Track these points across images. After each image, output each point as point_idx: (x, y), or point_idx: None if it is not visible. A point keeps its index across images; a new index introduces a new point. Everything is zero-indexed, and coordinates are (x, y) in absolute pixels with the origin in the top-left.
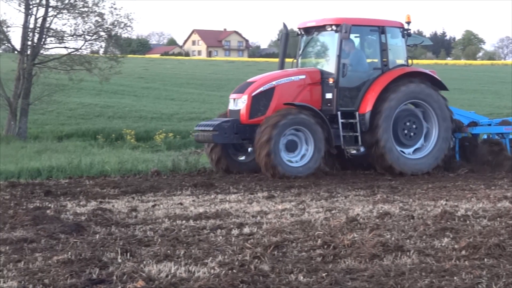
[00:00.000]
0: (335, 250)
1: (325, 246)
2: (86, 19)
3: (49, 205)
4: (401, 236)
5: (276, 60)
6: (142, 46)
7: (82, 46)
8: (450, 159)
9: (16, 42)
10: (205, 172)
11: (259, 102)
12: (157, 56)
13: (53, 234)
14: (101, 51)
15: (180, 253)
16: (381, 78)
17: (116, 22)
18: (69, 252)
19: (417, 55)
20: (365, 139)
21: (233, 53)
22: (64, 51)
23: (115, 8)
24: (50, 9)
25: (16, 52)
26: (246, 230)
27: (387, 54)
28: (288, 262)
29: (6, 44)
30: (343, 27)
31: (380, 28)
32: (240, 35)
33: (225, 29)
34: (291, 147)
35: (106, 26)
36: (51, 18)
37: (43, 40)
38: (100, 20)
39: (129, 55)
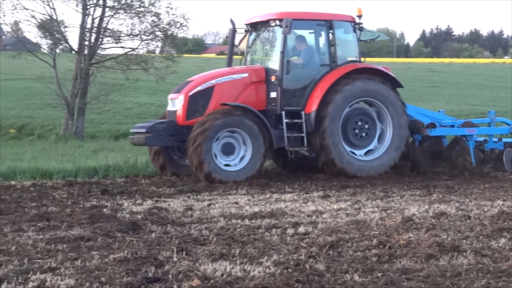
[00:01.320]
0: (391, 250)
1: (381, 246)
2: (142, 19)
3: (106, 203)
4: (457, 236)
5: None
6: (198, 45)
7: (139, 46)
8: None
9: (74, 42)
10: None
11: (197, 102)
12: (213, 55)
13: (110, 232)
14: (157, 50)
15: (235, 252)
16: (329, 76)
17: (172, 22)
18: (125, 251)
19: (473, 54)
20: (312, 141)
21: None
22: (120, 51)
23: (171, 8)
24: (107, 9)
25: (73, 52)
26: (301, 229)
27: (335, 50)
28: (344, 262)
29: (64, 44)
30: (284, 22)
31: (328, 23)
32: None
33: None
34: (228, 150)
35: (162, 26)
36: (108, 18)
37: (100, 40)
38: (156, 20)
39: (185, 55)
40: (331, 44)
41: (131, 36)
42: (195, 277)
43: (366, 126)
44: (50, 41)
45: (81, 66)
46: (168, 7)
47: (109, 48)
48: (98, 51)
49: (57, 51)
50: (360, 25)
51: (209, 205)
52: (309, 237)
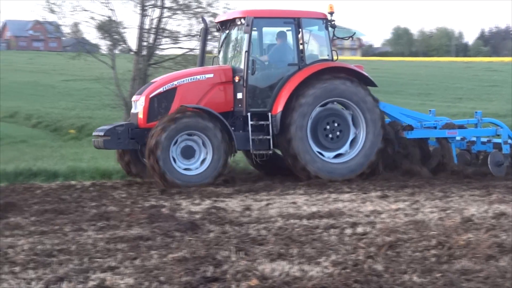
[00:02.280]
0: (450, 251)
1: (440, 247)
2: (200, 19)
3: (164, 203)
4: None
5: (389, 58)
6: None
7: (196, 46)
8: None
9: (132, 43)
10: None
11: (159, 104)
12: None
13: (168, 232)
14: (215, 50)
15: (293, 252)
16: (296, 75)
17: None
18: (184, 250)
19: None
20: (278, 142)
21: (346, 52)
22: (178, 51)
23: (229, 9)
24: (164, 10)
25: (132, 52)
26: (360, 229)
27: (304, 48)
28: (402, 262)
29: (123, 45)
30: (246, 20)
31: (296, 20)
32: None
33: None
34: (188, 153)
35: None
36: (166, 19)
37: (158, 40)
38: (214, 20)
39: None
40: (299, 42)
41: (189, 36)
42: (253, 277)
43: (338, 128)
44: (109, 42)
45: (139, 67)
46: (225, 7)
47: (167, 48)
48: (156, 52)
49: (116, 52)
50: (332, 23)
51: (267, 205)
52: (367, 237)
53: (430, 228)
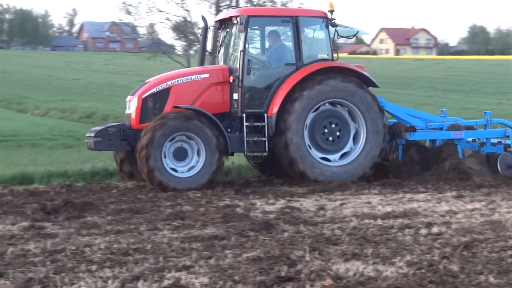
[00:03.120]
0: None
1: None
2: None
3: (239, 203)
4: None
5: (465, 57)
6: None
7: None
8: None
9: (207, 44)
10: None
11: (152, 105)
12: (345, 54)
13: (243, 231)
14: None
15: (368, 252)
16: (293, 76)
17: None
18: (258, 250)
19: None
20: (274, 144)
21: (421, 51)
22: None
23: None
24: None
25: (207, 53)
26: (435, 229)
27: (301, 48)
28: (478, 263)
29: (198, 46)
30: (239, 19)
31: (294, 19)
32: (428, 32)
33: (413, 27)
34: (181, 155)
35: None
36: None
37: None
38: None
39: None
40: (297, 41)
41: None
42: (328, 277)
43: (338, 128)
44: (184, 43)
45: None
46: (300, 7)
47: None
48: None
49: (191, 52)
50: (333, 21)
51: (341, 204)
52: (443, 238)
53: (506, 228)
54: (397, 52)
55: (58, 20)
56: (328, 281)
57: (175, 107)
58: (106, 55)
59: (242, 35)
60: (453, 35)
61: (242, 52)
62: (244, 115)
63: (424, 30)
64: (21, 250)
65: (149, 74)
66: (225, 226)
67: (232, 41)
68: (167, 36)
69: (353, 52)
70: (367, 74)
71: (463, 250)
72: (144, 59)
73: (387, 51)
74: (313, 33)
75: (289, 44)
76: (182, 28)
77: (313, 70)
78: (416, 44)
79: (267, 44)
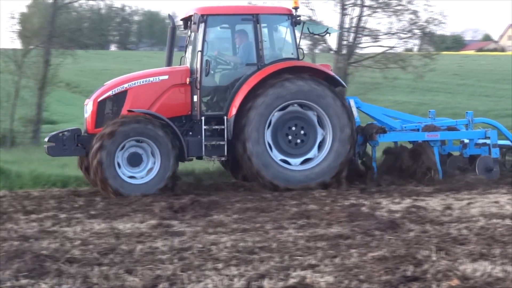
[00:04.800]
0: None
1: None
2: (400, 17)
3: (364, 202)
4: None
5: None
6: (456, 42)
7: (396, 44)
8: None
9: (332, 42)
10: None
11: (108, 108)
12: (472, 52)
13: (368, 230)
14: (415, 48)
15: (495, 252)
16: (254, 76)
17: (430, 19)
18: (384, 249)
19: None
20: (234, 147)
21: None
22: (378, 50)
23: (429, 5)
24: (364, 8)
25: (332, 51)
26: None
27: (262, 47)
28: None
29: (323, 44)
30: (193, 18)
31: (254, 16)
32: None
33: None
34: (135, 161)
35: (420, 23)
36: (366, 17)
37: (358, 39)
38: (414, 17)
39: (443, 52)
40: (258, 40)
41: (388, 34)
42: (454, 277)
43: (303, 132)
44: (309, 42)
45: (339, 66)
46: (426, 4)
47: (367, 47)
48: (356, 51)
49: (316, 51)
50: (298, 18)
51: (468, 204)
52: None
53: None
54: None
55: None
56: (454, 281)
57: (128, 111)
58: None
59: (200, 35)
60: None
61: (200, 53)
62: (203, 118)
63: None
64: (149, 247)
65: None
66: (350, 225)
67: (193, 41)
68: None
69: (480, 50)
70: (333, 74)
71: None
72: None
73: None
74: (277, 31)
75: (251, 43)
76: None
77: (274, 70)
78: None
79: (235, 43)
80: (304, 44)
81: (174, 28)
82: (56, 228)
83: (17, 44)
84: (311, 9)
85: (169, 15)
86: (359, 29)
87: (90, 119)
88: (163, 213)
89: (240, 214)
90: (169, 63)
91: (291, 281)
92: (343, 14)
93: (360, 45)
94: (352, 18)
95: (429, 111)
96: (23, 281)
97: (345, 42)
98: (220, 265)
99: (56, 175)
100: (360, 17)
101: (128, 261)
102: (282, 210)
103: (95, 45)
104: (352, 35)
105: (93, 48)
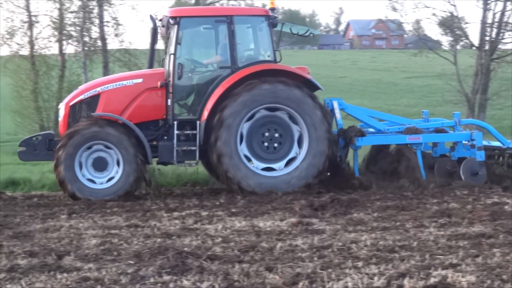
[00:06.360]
0: None
1: None
2: None
3: (507, 200)
4: None
5: None
6: None
7: None
8: None
9: (474, 38)
10: None
11: (81, 112)
12: None
13: (511, 230)
14: None
15: None
16: (227, 80)
17: None
18: None
19: None
20: (207, 153)
21: None
22: None
23: None
24: (508, 3)
25: (474, 48)
26: None
27: (236, 49)
28: None
29: (465, 41)
30: (162, 21)
31: (228, 18)
32: None
33: None
34: (100, 165)
35: None
36: (510, 12)
37: (501, 34)
38: None
39: None
40: (231, 42)
41: None
42: None
43: (277, 134)
44: (450, 38)
45: (481, 62)
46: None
47: (510, 42)
48: (499, 46)
49: (458, 47)
50: (275, 20)
51: None
52: None
53: None
54: None
55: (325, 19)
56: None
57: (92, 114)
58: (372, 52)
59: (173, 38)
60: None
61: (172, 55)
62: (175, 122)
63: None
64: (290, 245)
65: (415, 71)
66: (493, 224)
67: (169, 43)
68: (433, 31)
69: None
70: (309, 77)
71: None
72: (410, 55)
73: None
74: (253, 33)
75: (222, 45)
76: (449, 23)
77: (248, 73)
78: None
79: (208, 45)
80: (445, 40)
81: (155, 29)
82: (198, 226)
83: None
84: (453, 5)
85: (150, 15)
86: (502, 24)
87: (62, 123)
88: (303, 211)
89: (380, 212)
90: (150, 65)
91: (432, 280)
92: (486, 10)
93: (503, 41)
94: (495, 13)
95: (423, 112)
96: (166, 277)
97: (487, 38)
98: (360, 264)
99: (195, 174)
100: (503, 11)
101: (268, 259)
102: (422, 209)
103: None
104: (494, 30)
105: None
